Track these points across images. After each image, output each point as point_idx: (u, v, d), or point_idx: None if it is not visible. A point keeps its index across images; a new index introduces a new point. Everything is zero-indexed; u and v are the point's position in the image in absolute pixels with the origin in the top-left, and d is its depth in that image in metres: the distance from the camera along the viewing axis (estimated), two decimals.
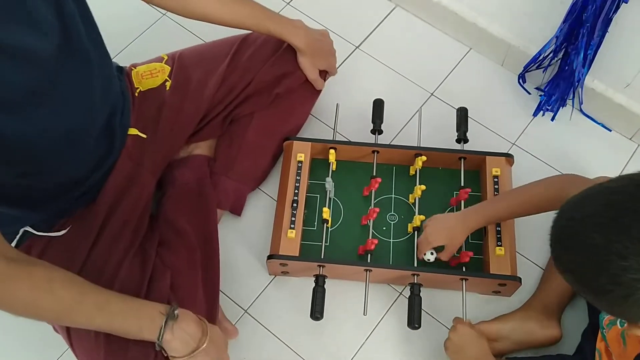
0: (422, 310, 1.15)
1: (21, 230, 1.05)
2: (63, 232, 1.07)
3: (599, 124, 1.41)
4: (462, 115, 1.30)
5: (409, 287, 1.16)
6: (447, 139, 1.32)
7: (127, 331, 0.93)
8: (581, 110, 1.40)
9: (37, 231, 1.05)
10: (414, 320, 1.11)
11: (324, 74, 1.32)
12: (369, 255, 1.20)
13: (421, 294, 1.15)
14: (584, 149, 1.38)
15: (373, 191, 1.26)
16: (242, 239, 1.29)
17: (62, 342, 1.18)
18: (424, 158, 1.27)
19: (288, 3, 1.60)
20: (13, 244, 1.05)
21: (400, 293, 1.23)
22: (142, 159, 1.15)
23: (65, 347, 1.17)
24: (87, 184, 1.07)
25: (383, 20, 1.57)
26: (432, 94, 1.46)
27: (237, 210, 1.30)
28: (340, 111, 1.37)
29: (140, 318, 0.92)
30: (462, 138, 1.29)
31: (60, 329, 1.06)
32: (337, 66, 1.35)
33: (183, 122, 1.20)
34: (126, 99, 1.15)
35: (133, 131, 1.15)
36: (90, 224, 1.07)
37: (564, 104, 1.38)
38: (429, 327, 1.19)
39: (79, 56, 0.94)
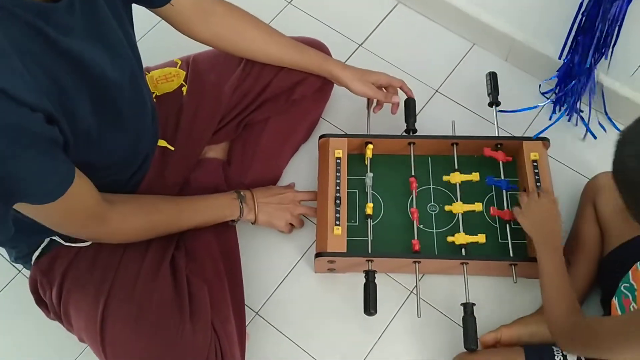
0: (434, 308, 1.16)
1: (46, 240, 1.04)
2: (90, 242, 1.06)
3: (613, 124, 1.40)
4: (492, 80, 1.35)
5: (462, 308, 1.14)
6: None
7: (216, 220, 1.16)
8: (606, 114, 1.40)
9: (65, 241, 1.04)
10: (469, 341, 1.09)
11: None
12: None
13: (431, 290, 1.16)
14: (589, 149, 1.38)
15: (414, 191, 1.26)
16: (245, 241, 1.27)
17: (76, 348, 1.18)
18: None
19: (289, 2, 1.60)
20: (37, 253, 1.05)
21: (411, 291, 1.23)
22: (165, 169, 1.15)
23: (78, 353, 1.18)
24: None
25: (385, 18, 1.57)
26: (436, 91, 1.46)
27: None
28: (344, 110, 1.36)
29: (223, 208, 1.16)
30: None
31: (90, 338, 1.03)
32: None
33: (201, 128, 1.20)
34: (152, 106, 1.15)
35: (162, 143, 1.15)
36: None
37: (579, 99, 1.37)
38: (442, 325, 1.20)
39: (141, 83, 1.02)
